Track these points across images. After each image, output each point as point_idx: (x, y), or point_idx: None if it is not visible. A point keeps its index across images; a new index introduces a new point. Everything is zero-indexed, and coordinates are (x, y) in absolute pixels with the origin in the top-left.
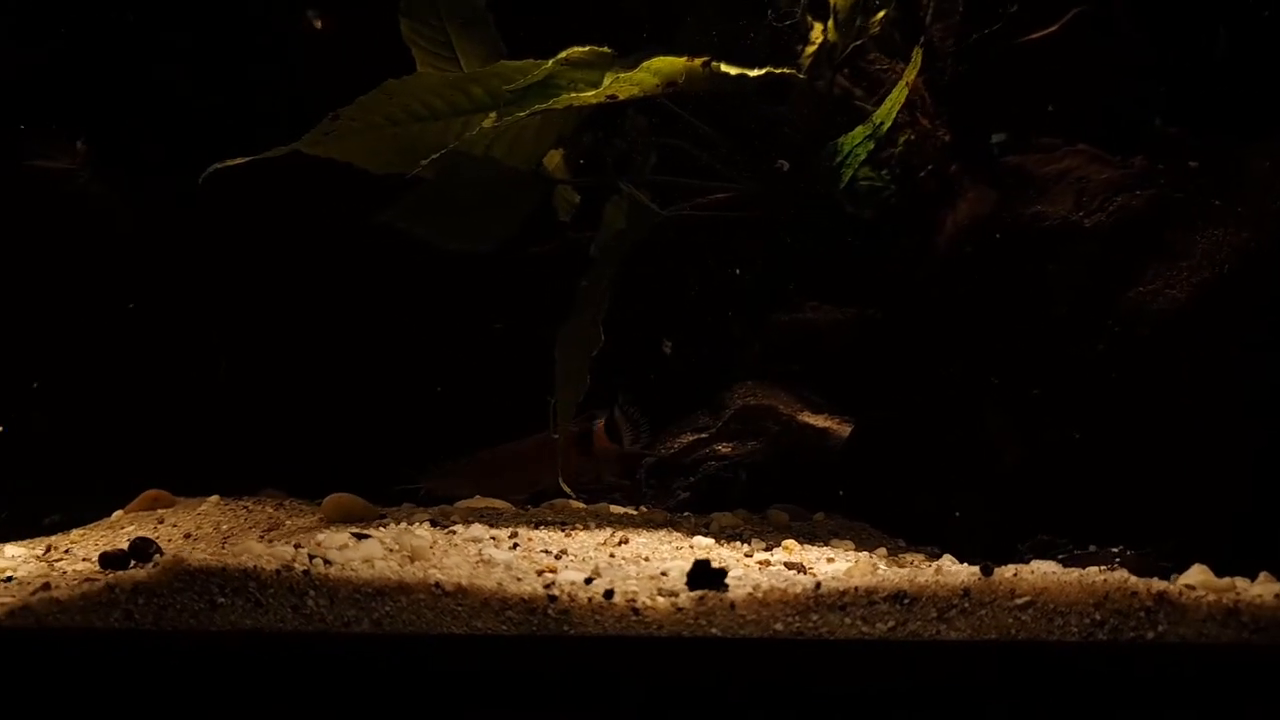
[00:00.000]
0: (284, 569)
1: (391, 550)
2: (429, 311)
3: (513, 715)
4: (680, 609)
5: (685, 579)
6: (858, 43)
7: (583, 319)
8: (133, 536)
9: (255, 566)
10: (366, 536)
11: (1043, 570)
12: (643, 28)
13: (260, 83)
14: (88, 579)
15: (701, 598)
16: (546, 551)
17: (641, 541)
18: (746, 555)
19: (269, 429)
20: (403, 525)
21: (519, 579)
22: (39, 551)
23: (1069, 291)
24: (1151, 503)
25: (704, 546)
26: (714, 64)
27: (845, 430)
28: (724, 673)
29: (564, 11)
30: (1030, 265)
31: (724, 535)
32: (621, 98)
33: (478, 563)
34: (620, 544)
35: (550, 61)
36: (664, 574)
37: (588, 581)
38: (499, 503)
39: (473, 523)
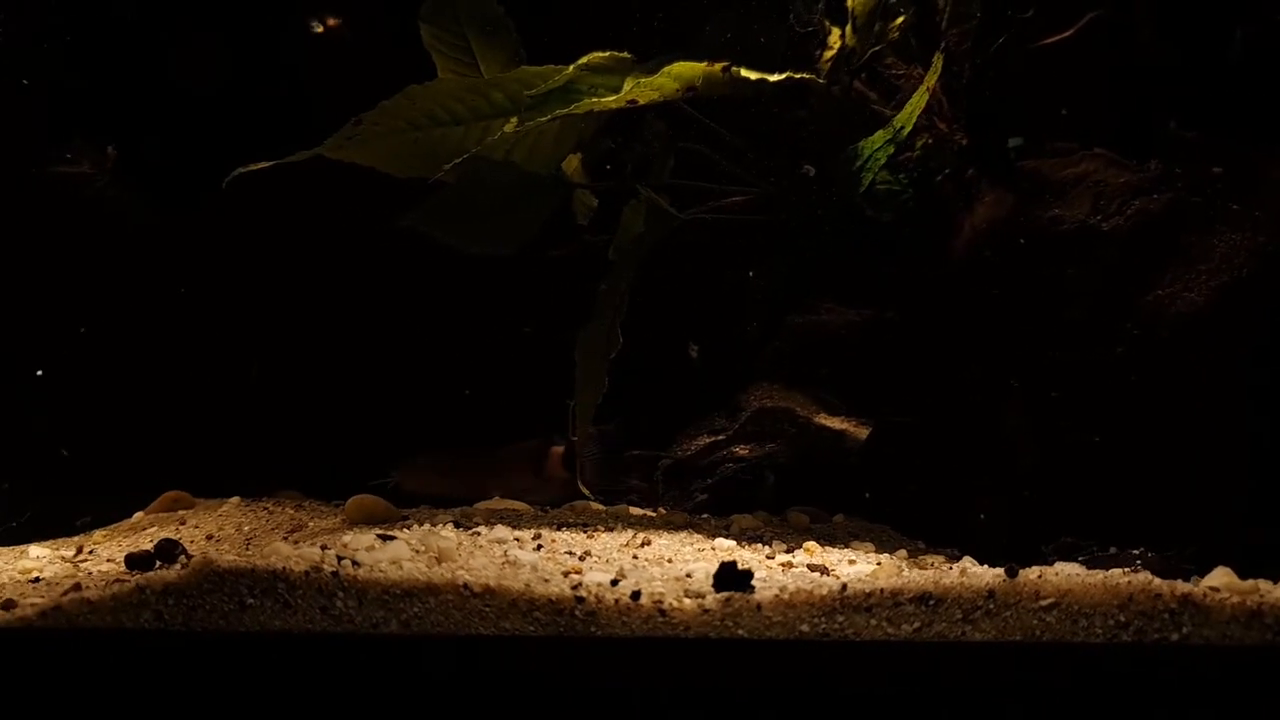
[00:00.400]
0: (313, 570)
1: (418, 551)
2: (450, 315)
3: (541, 716)
4: (707, 610)
5: (711, 581)
6: (876, 48)
7: (602, 322)
8: (156, 538)
9: (284, 568)
10: (392, 538)
11: (1067, 572)
12: (660, 34)
13: (283, 88)
14: (117, 579)
15: (728, 599)
16: (570, 553)
17: (663, 543)
18: (768, 557)
19: (289, 430)
20: (426, 527)
21: (546, 580)
22: (64, 552)
23: (1087, 295)
24: (1170, 505)
25: (726, 548)
26: (734, 69)
27: (863, 432)
28: (751, 674)
29: (583, 17)
30: (1048, 268)
31: (745, 537)
32: (642, 103)
33: (504, 564)
34: (643, 545)
35: (571, 67)
36: (688, 575)
37: (614, 583)
38: (519, 504)
39: (495, 524)
